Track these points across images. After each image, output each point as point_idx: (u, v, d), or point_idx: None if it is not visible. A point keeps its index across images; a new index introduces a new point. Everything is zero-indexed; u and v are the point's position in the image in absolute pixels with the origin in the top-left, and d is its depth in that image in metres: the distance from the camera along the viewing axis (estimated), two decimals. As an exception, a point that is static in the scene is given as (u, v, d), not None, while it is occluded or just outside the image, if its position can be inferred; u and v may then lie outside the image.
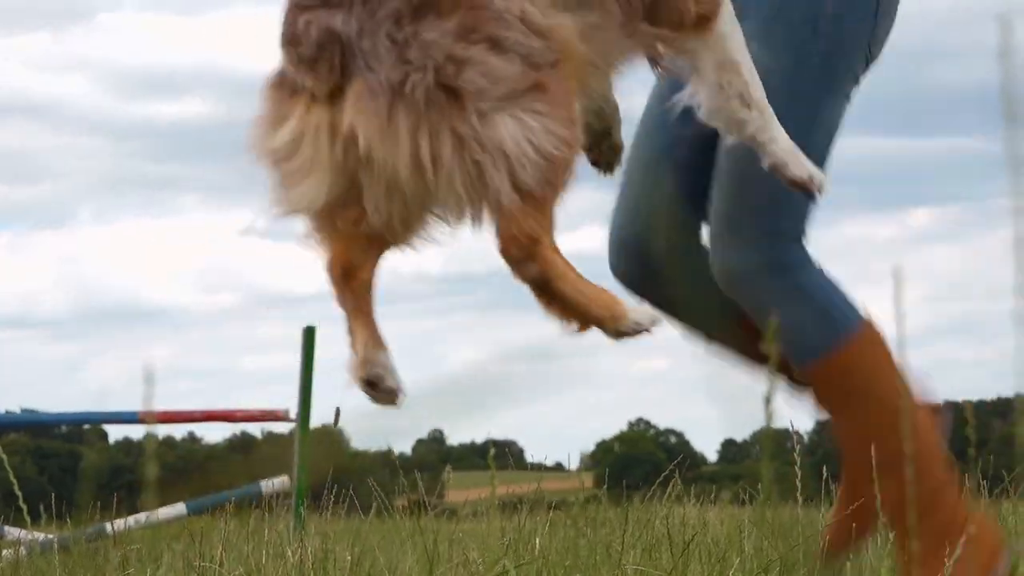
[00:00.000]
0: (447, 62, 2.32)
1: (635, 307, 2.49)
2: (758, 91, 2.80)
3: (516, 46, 2.36)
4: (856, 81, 3.18)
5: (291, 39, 2.43)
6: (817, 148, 3.00)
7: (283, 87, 2.45)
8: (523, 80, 2.35)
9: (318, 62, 2.38)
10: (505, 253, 2.42)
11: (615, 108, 2.88)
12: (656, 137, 3.20)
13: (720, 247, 3.12)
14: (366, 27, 2.35)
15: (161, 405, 8.08)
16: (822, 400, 3.12)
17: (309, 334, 7.98)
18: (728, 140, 2.93)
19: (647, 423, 55.20)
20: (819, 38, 3.08)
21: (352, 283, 2.54)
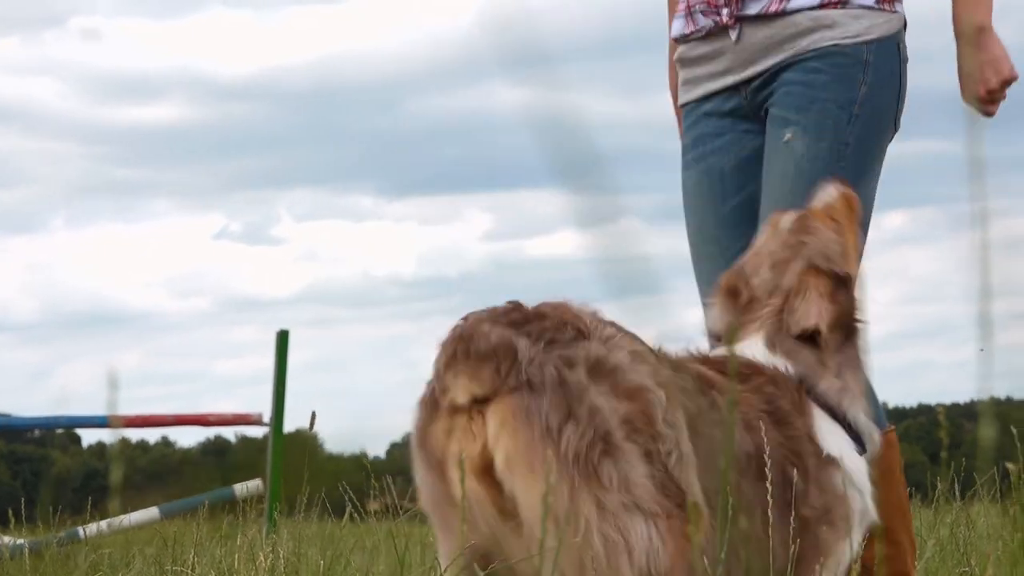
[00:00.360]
0: (603, 440, 2.25)
1: None
2: None
3: (659, 467, 2.30)
4: (884, 155, 3.26)
5: (464, 335, 2.35)
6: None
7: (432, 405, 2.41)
8: (652, 502, 2.28)
9: (486, 361, 2.30)
10: None
11: None
12: None
13: None
14: (538, 357, 2.30)
15: (134, 409, 8.05)
16: None
17: (283, 338, 7.96)
18: None
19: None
20: (854, 123, 3.14)
21: None
